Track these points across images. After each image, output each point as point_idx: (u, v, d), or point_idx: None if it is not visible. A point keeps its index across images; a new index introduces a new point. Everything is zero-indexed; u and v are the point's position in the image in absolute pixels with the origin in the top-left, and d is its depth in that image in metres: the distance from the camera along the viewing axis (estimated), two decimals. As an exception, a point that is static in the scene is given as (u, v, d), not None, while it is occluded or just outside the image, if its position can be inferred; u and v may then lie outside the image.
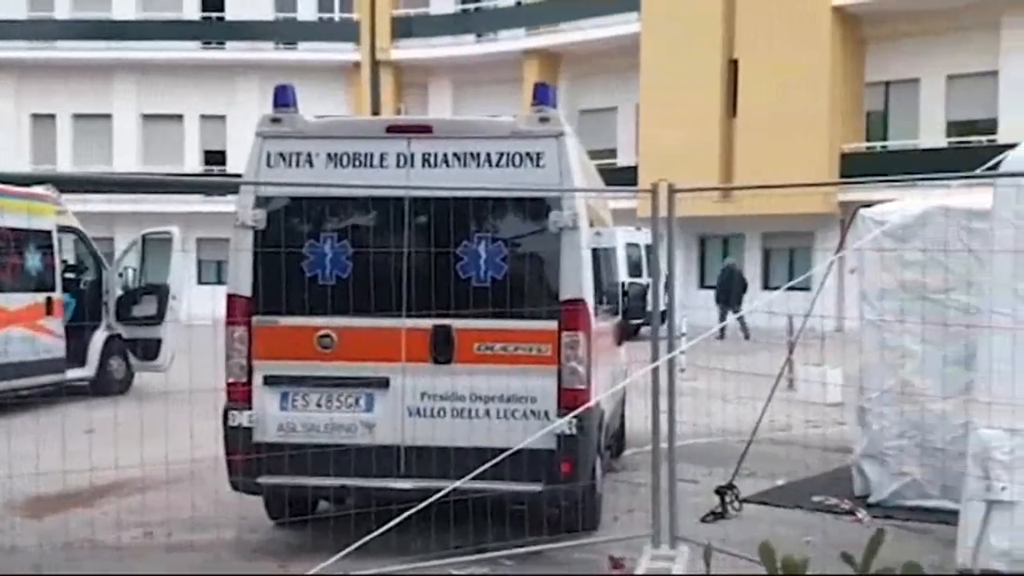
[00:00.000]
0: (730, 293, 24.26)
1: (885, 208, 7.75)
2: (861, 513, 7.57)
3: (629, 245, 22.17)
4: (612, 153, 33.96)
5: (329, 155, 6.58)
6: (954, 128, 28.42)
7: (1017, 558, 5.23)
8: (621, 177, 27.04)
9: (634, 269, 21.60)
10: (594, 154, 33.49)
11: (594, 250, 7.03)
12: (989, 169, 5.99)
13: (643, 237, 21.73)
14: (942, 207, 7.10)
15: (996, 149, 5.94)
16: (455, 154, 6.51)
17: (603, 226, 8.23)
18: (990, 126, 26.94)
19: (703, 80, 30.02)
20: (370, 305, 6.45)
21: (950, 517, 6.10)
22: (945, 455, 7.22)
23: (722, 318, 21.94)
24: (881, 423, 7.76)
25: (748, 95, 29.59)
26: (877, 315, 7.73)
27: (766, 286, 29.79)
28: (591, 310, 6.57)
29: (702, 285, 31.64)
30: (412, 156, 6.54)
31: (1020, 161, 5.47)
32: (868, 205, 7.82)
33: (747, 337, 17.55)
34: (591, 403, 6.43)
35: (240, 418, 6.53)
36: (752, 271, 30.24)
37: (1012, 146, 5.81)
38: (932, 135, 28.52)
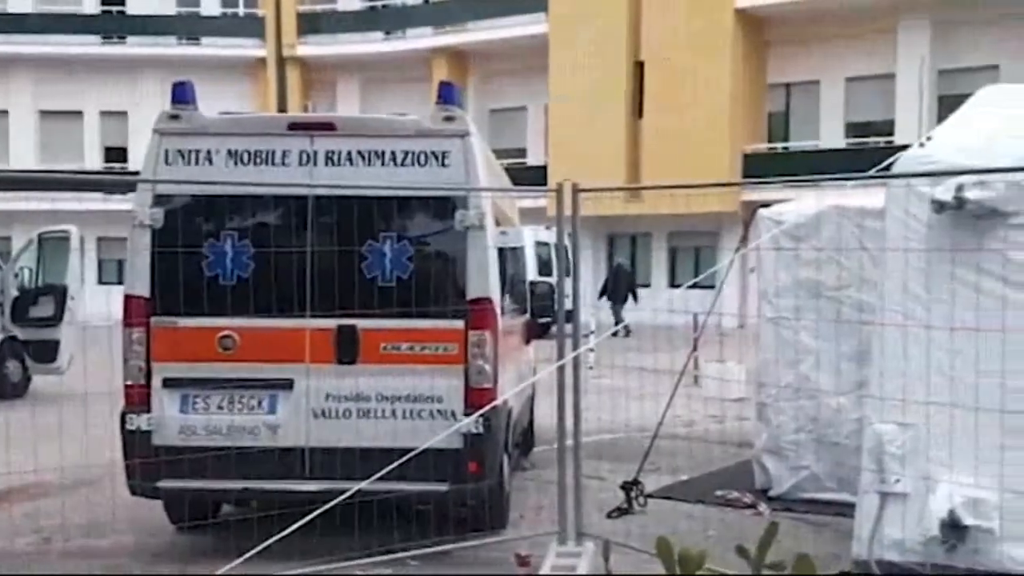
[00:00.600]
0: (617, 292, 24.86)
1: (782, 208, 7.93)
2: (762, 506, 7.73)
3: (539, 244, 22.28)
4: (522, 152, 34.11)
5: (229, 152, 6.47)
6: (853, 129, 29.22)
7: (909, 548, 5.38)
8: (531, 176, 27.18)
9: (544, 268, 21.71)
10: (504, 153, 33.64)
11: (501, 249, 7.04)
12: (882, 170, 6.16)
13: (552, 236, 21.80)
14: (837, 207, 7.29)
15: (893, 150, 6.14)
16: (359, 152, 6.46)
17: (510, 225, 8.25)
18: (887, 128, 27.76)
19: (610, 81, 30.36)
20: (273, 305, 6.37)
21: (847, 509, 6.25)
22: (841, 449, 7.42)
23: (615, 316, 22.53)
24: (780, 418, 7.94)
25: (654, 96, 30.00)
26: (775, 312, 7.91)
27: (673, 284, 30.28)
28: (498, 309, 6.58)
29: (611, 283, 31.97)
30: (315, 154, 6.46)
31: (911, 162, 5.63)
32: (767, 205, 7.99)
33: (627, 335, 17.87)
34: (498, 402, 6.44)
35: (138, 421, 6.37)
36: (659, 269, 30.70)
37: (907, 147, 5.98)
38: (832, 136, 29.28)
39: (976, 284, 5.21)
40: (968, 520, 5.12)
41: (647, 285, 30.07)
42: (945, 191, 5.27)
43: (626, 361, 11.22)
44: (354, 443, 6.29)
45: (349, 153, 6.46)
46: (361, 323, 6.38)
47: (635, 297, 25.44)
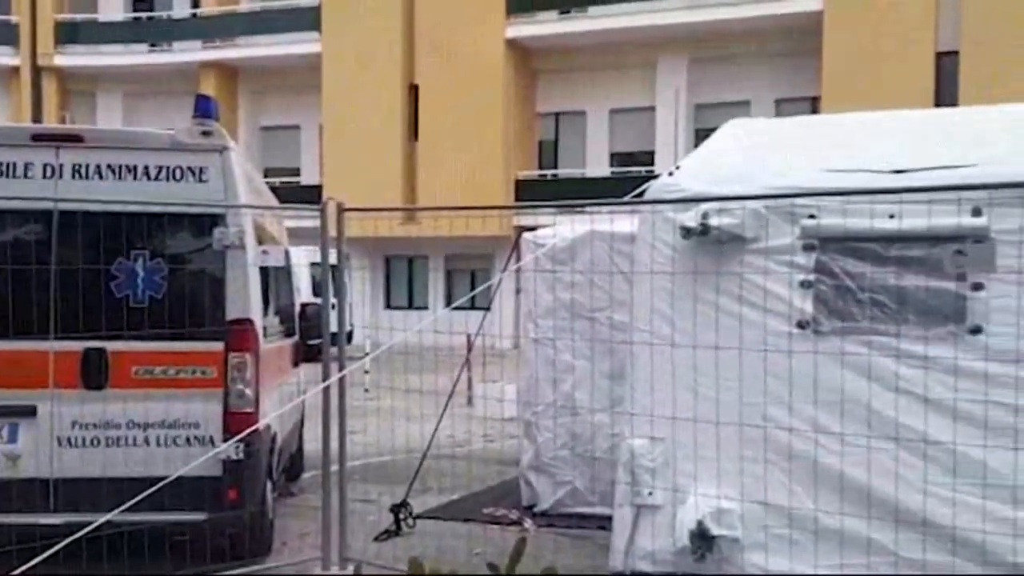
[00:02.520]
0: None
1: (546, 232, 8.17)
2: (527, 522, 7.88)
3: (314, 264, 21.94)
4: (295, 171, 33.57)
5: None
6: (617, 159, 30.52)
7: (660, 559, 5.60)
8: (305, 195, 26.62)
9: (319, 289, 21.35)
10: (277, 172, 32.94)
11: (264, 269, 6.87)
12: (634, 198, 6.44)
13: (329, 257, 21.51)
14: (594, 231, 7.56)
15: (653, 179, 6.46)
16: (109, 166, 6.15)
17: (275, 244, 8.07)
18: (648, 158, 29.14)
19: (384, 102, 30.42)
20: (12, 327, 5.96)
21: (607, 522, 6.44)
22: (600, 464, 7.66)
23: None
24: (544, 435, 8.15)
25: (429, 119, 30.29)
26: (541, 333, 8.11)
27: (450, 306, 30.47)
28: (259, 330, 6.41)
29: (388, 305, 31.93)
30: (61, 167, 6.11)
31: (660, 190, 5.92)
32: (532, 229, 8.20)
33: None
34: (259, 427, 6.26)
35: None
36: (436, 291, 30.90)
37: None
38: (598, 165, 30.47)
39: (717, 305, 5.51)
40: (715, 530, 5.37)
41: (424, 307, 30.23)
42: (691, 218, 5.55)
43: (402, 383, 11.21)
44: (103, 473, 5.97)
45: (98, 167, 6.15)
46: (111, 346, 6.07)
47: None
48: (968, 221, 5.03)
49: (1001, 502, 4.79)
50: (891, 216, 5.19)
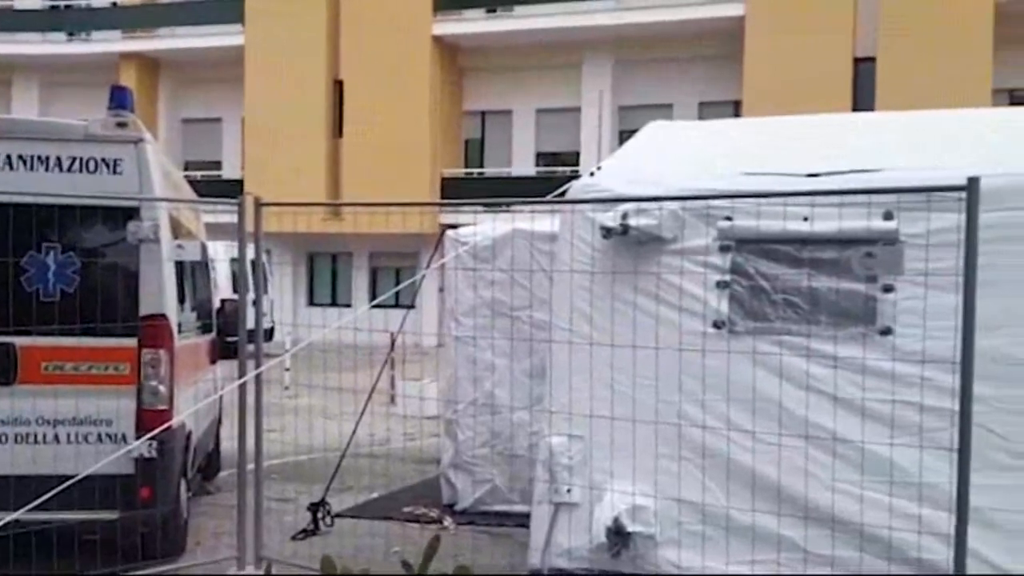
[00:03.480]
0: None
1: (469, 230, 8.17)
2: (448, 521, 7.88)
3: (233, 260, 21.63)
4: (217, 165, 33.05)
5: None
6: (543, 159, 30.63)
7: (577, 555, 5.65)
8: (226, 189, 26.24)
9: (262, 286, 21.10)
10: (198, 165, 32.35)
11: (181, 263, 6.75)
12: (556, 198, 6.47)
13: (249, 252, 21.27)
14: (518, 230, 7.58)
15: (577, 179, 6.52)
16: (21, 156, 6.00)
17: (192, 239, 7.93)
18: (573, 158, 29.30)
19: (308, 97, 30.10)
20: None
21: (527, 520, 6.46)
22: (521, 462, 7.70)
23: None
24: (466, 433, 8.15)
25: (354, 116, 30.04)
26: (463, 331, 8.11)
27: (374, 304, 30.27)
28: (174, 326, 6.30)
29: (311, 302, 31.63)
30: None
31: (579, 190, 5.97)
32: (456, 227, 8.19)
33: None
34: (173, 424, 6.16)
35: None
36: (360, 289, 30.68)
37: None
38: (523, 164, 30.54)
39: (635, 304, 5.57)
40: (631, 527, 5.43)
41: (348, 305, 29.99)
42: (611, 218, 5.60)
43: (324, 380, 11.11)
44: (11, 470, 5.82)
45: (9, 157, 5.99)
46: (19, 341, 5.91)
47: None
48: (879, 225, 5.16)
49: (907, 499, 4.91)
50: (805, 219, 5.30)
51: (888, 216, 5.15)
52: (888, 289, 5.16)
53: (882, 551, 4.95)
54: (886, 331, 5.13)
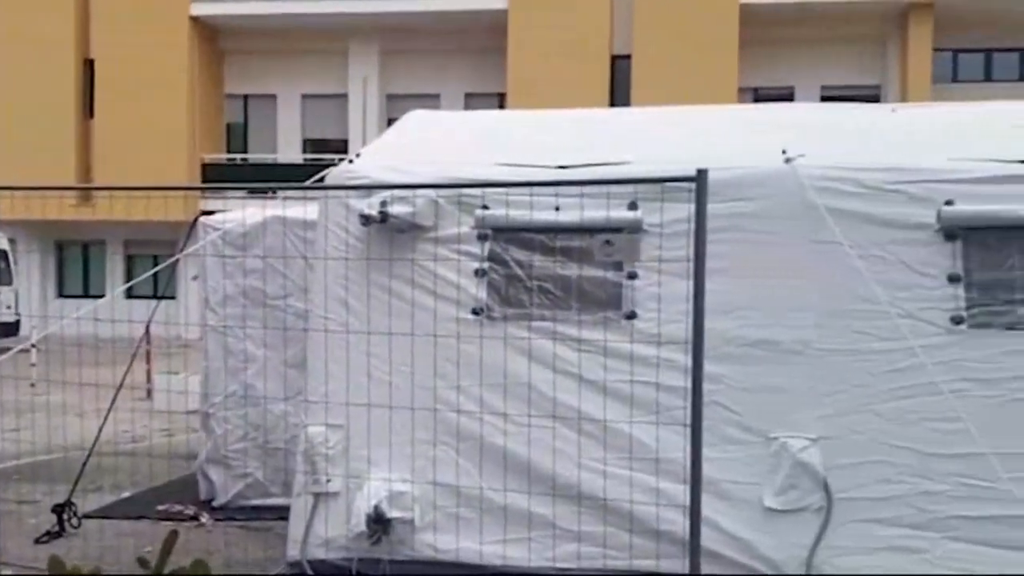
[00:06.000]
0: None
1: (225, 217, 7.95)
2: (205, 517, 7.67)
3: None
4: (-50, 147, 30.53)
5: None
6: (310, 145, 30.10)
7: (337, 544, 5.64)
8: (-38, 175, 24.42)
9: (5, 276, 19.61)
10: (-73, 147, 29.52)
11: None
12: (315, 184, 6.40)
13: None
14: (278, 217, 7.46)
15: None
16: None
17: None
18: (342, 146, 28.97)
19: (55, 77, 28.27)
20: None
21: (289, 512, 6.40)
22: (284, 454, 7.59)
23: None
24: (225, 427, 7.94)
25: (107, 97, 28.46)
26: (220, 321, 7.89)
27: (130, 294, 28.94)
28: None
29: (60, 294, 29.85)
30: None
31: (337, 177, 5.94)
32: (211, 213, 7.95)
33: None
34: None
35: None
36: (114, 279, 29.18)
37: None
38: (290, 150, 29.93)
39: (395, 292, 5.62)
40: (391, 513, 5.48)
41: (102, 295, 28.43)
42: (371, 205, 5.61)
43: (79, 376, 10.53)
44: None
45: None
46: None
47: None
48: (624, 214, 5.43)
49: (647, 473, 5.21)
50: (556, 209, 5.50)
51: (633, 206, 5.43)
52: (633, 276, 5.44)
53: (624, 523, 5.22)
54: (631, 315, 5.41)
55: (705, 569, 4.52)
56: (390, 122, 28.54)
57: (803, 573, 5.10)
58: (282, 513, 7.11)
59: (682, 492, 4.78)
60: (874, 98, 25.81)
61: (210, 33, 29.40)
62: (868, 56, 27.10)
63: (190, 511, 7.77)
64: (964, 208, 5.15)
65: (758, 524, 5.17)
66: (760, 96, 26.39)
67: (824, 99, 25.53)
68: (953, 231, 5.17)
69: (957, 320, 5.12)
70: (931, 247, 5.17)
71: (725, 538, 5.15)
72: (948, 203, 5.17)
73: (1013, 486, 4.80)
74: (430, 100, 26.19)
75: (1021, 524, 4.87)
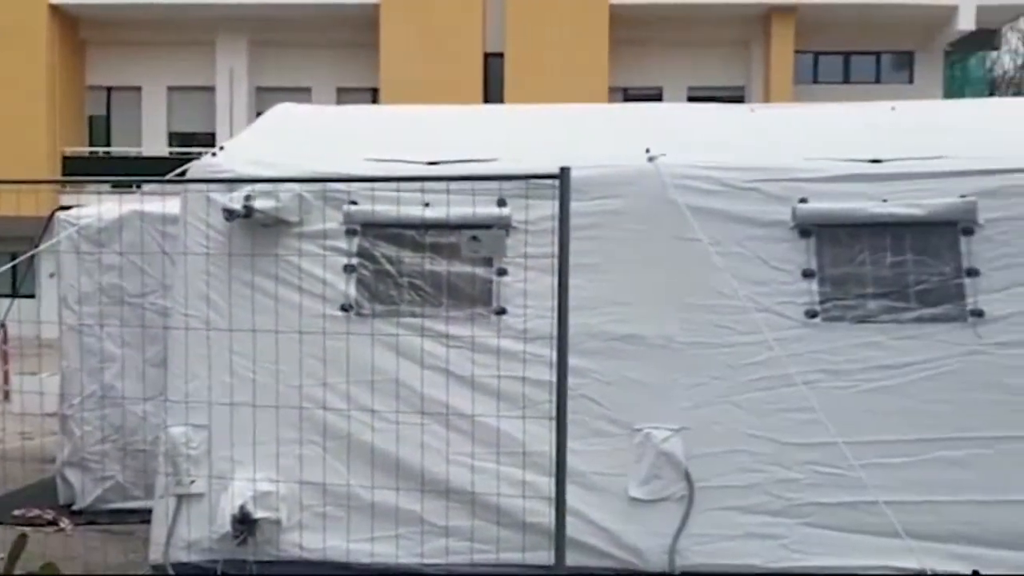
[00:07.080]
0: None
1: (82, 212, 7.68)
2: (64, 522, 7.42)
3: None
4: None
5: None
6: (177, 139, 29.31)
7: (202, 547, 5.51)
8: None
9: None
10: None
11: None
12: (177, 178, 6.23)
13: None
14: (139, 212, 7.24)
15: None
16: None
17: None
18: (209, 139, 28.26)
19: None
20: None
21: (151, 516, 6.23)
22: (147, 456, 7.37)
23: None
24: (84, 429, 7.69)
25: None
26: (78, 320, 7.62)
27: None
28: None
29: (-96, 294, 28.25)
30: None
31: (200, 171, 5.80)
32: (69, 208, 7.67)
33: None
34: None
35: None
36: (-32, 276, 27.83)
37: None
38: (155, 143, 29.07)
39: (261, 288, 5.52)
40: (257, 513, 5.38)
41: (-51, 295, 27.06)
42: (234, 200, 5.50)
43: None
44: None
45: None
46: None
47: None
48: (492, 211, 5.46)
49: (514, 467, 5.26)
50: (426, 205, 5.50)
51: (502, 203, 5.46)
52: (502, 272, 5.47)
53: (492, 517, 5.25)
54: (501, 311, 5.45)
55: (571, 559, 4.59)
56: (259, 115, 28.03)
57: (667, 560, 5.22)
58: (145, 516, 6.92)
59: (548, 484, 4.83)
60: (739, 99, 26.61)
61: (70, 23, 28.35)
62: (733, 58, 27.91)
63: (49, 515, 7.50)
64: (817, 206, 5.35)
65: (624, 514, 5.26)
66: (630, 96, 26.88)
67: (691, 99, 26.20)
68: (807, 228, 5.36)
69: (811, 314, 5.31)
70: (787, 243, 5.36)
71: (592, 528, 5.23)
72: (802, 201, 5.36)
73: (863, 473, 4.99)
74: (301, 94, 25.77)
75: (871, 509, 5.06)
